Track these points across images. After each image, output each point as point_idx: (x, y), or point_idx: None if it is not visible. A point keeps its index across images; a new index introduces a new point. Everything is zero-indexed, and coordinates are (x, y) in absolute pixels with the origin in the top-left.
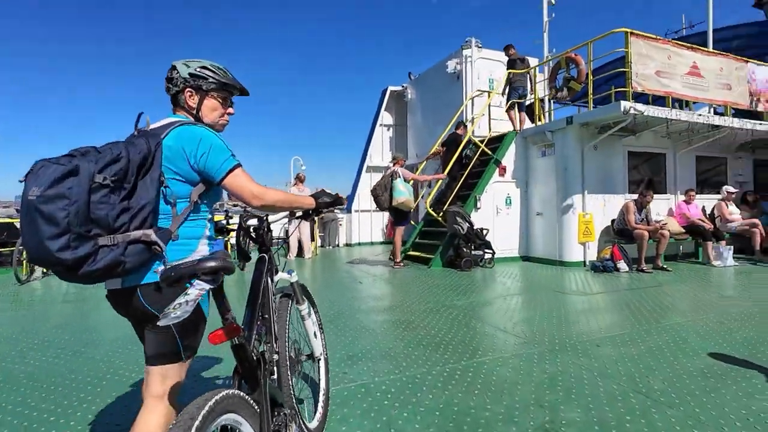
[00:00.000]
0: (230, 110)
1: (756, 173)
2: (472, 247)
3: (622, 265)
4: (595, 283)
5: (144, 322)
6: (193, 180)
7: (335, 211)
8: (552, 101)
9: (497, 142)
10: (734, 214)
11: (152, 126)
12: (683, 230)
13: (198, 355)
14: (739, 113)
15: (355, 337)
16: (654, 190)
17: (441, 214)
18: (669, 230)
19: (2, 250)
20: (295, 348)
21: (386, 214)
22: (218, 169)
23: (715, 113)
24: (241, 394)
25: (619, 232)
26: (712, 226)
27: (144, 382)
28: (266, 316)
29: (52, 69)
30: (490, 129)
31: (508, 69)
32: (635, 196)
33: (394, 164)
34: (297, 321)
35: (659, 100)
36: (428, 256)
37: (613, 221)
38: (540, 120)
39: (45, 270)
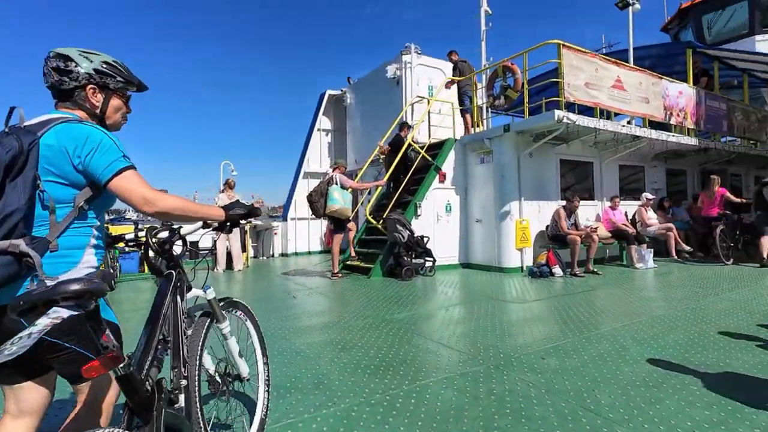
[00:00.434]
0: (129, 109)
1: (668, 181)
2: (413, 256)
3: (557, 270)
4: (533, 289)
5: None
6: (77, 183)
7: (270, 219)
8: (489, 109)
9: (437, 148)
10: (652, 219)
11: (27, 123)
12: (610, 235)
13: None
14: (654, 125)
15: (284, 363)
16: (583, 196)
17: (381, 221)
18: (598, 235)
19: None
20: (219, 370)
21: (325, 222)
22: (104, 171)
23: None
24: None
25: (553, 238)
26: (635, 231)
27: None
28: (170, 338)
29: None
30: (429, 135)
31: (455, 74)
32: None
33: (333, 170)
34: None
35: (586, 111)
36: (368, 265)
37: (547, 227)
38: (478, 127)
39: None
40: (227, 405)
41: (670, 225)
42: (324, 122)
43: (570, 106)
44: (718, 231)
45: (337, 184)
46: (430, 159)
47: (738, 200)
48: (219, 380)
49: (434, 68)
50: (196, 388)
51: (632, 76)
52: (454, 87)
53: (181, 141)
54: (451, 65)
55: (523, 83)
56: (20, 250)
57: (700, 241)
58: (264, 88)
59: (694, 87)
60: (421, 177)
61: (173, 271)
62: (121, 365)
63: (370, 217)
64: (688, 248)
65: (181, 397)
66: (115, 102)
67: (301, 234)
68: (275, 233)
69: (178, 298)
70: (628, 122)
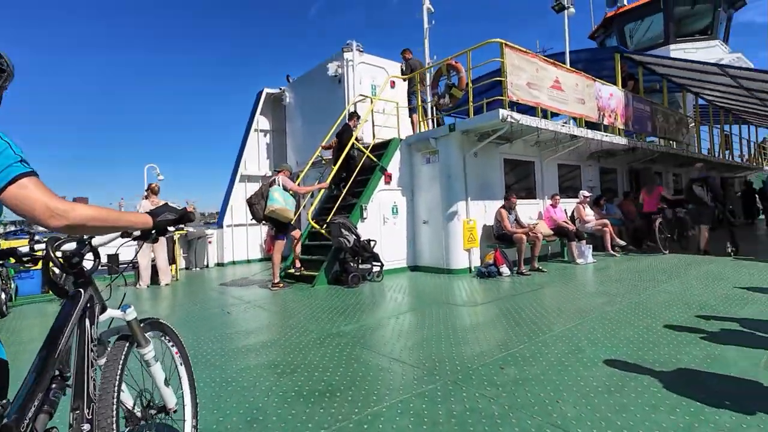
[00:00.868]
0: None
1: (601, 179)
2: (360, 261)
3: (505, 269)
4: (483, 290)
5: None
6: None
7: (204, 226)
8: (435, 108)
9: (382, 148)
10: (589, 215)
11: None
12: (552, 232)
13: None
14: (588, 126)
15: (212, 397)
16: (524, 195)
17: (325, 226)
18: (541, 233)
19: None
20: (140, 402)
21: (266, 228)
22: None
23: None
24: None
25: (499, 237)
26: (574, 228)
27: None
28: (68, 374)
29: None
30: (374, 135)
31: (407, 72)
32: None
33: (277, 173)
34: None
35: (527, 113)
36: (312, 273)
37: (492, 227)
38: (425, 126)
39: None
40: None
41: (606, 221)
42: (262, 122)
43: (512, 108)
44: (657, 224)
45: (279, 185)
46: (375, 160)
47: (673, 197)
48: (139, 414)
49: (377, 67)
50: (114, 429)
51: (569, 77)
52: (400, 86)
53: (105, 146)
54: (396, 64)
55: (467, 82)
56: None
57: (632, 235)
58: (199, 86)
59: (623, 90)
60: (366, 178)
61: (82, 290)
62: None
63: (312, 222)
64: (622, 242)
65: None
66: None
67: (239, 241)
68: (209, 242)
69: (87, 322)
70: (565, 123)
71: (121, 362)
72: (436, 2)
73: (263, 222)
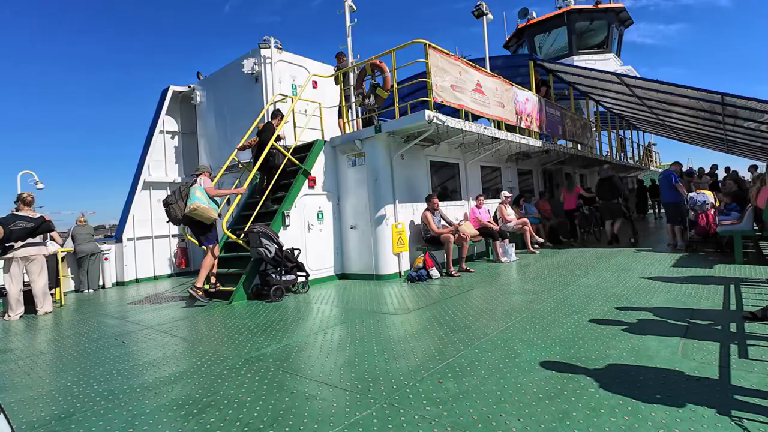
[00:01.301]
0: None
1: (519, 180)
2: (283, 272)
3: (434, 272)
4: (414, 295)
5: None
6: None
7: (99, 241)
8: (360, 108)
9: (305, 151)
10: (511, 215)
11: None
12: (478, 233)
13: None
14: (507, 129)
15: None
16: (449, 197)
17: (242, 235)
18: (467, 233)
19: None
20: None
21: (175, 241)
22: None
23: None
24: None
25: (428, 240)
26: (498, 227)
27: None
28: None
29: None
30: (296, 137)
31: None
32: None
33: (198, 175)
34: None
35: (452, 115)
36: (229, 288)
37: (420, 230)
38: (349, 128)
39: None
40: None
41: (526, 220)
42: (169, 123)
43: (436, 110)
44: (577, 220)
45: (201, 185)
46: (297, 162)
47: (588, 195)
48: None
49: (298, 66)
50: None
51: (489, 81)
52: (323, 87)
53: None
54: (318, 63)
55: (392, 83)
56: None
57: (548, 232)
58: (100, 85)
59: (537, 95)
60: (289, 183)
61: None
62: None
63: (227, 231)
64: (540, 239)
65: None
66: None
67: (144, 256)
68: (106, 258)
69: None
70: (486, 127)
71: None
72: (358, 13)
73: (181, 224)
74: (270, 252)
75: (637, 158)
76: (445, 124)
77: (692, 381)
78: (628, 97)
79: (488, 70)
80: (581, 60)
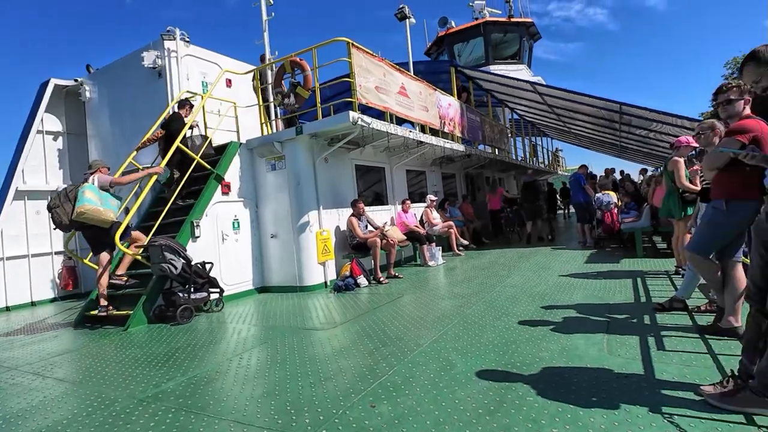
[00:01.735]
0: None
1: (443, 184)
2: (192, 290)
3: (362, 280)
4: (341, 307)
5: None
6: None
7: None
8: (280, 108)
9: (218, 154)
10: (436, 218)
11: None
12: (405, 237)
13: None
14: (432, 133)
15: None
16: (376, 201)
17: (141, 250)
18: (395, 238)
19: None
20: None
21: (59, 259)
22: None
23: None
24: None
25: (355, 247)
26: (425, 231)
27: None
28: None
29: None
30: (207, 139)
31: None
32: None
33: (92, 173)
34: None
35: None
36: (124, 312)
37: (346, 237)
38: (267, 129)
39: None
40: None
41: (451, 223)
42: (51, 122)
43: (361, 112)
44: (503, 221)
45: (94, 183)
46: (208, 167)
47: (511, 197)
48: None
49: (209, 62)
50: None
51: (413, 84)
52: (239, 85)
53: None
54: (232, 60)
55: (314, 82)
56: None
57: (472, 235)
58: None
59: (459, 101)
60: (199, 189)
61: None
62: None
63: (121, 245)
64: (465, 242)
65: None
66: None
67: (17, 279)
68: None
69: None
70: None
71: None
72: (279, 15)
73: (68, 230)
74: (176, 268)
75: (546, 163)
76: (371, 126)
77: (622, 379)
78: (539, 105)
79: (412, 74)
80: (497, 69)
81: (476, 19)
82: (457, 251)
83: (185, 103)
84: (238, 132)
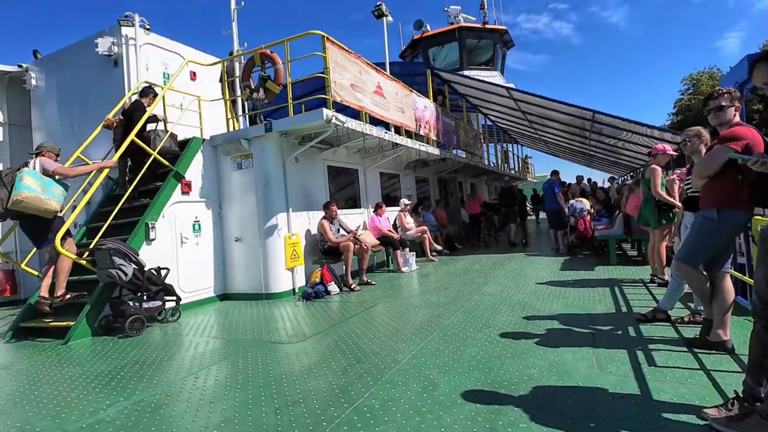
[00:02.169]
0: None
1: (417, 188)
2: (144, 298)
3: (333, 287)
4: (311, 317)
5: None
6: None
7: None
8: (249, 102)
9: (172, 154)
10: (410, 223)
11: None
12: (378, 242)
13: None
14: (407, 135)
15: None
16: (349, 204)
17: (86, 253)
18: (368, 243)
19: None
20: None
21: None
22: None
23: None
24: None
25: (326, 252)
26: (398, 236)
27: None
28: None
29: None
30: (168, 133)
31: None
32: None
33: (36, 156)
34: None
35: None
36: (65, 323)
37: (317, 242)
38: (234, 125)
39: None
40: None
41: (425, 228)
42: None
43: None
44: (483, 225)
45: (35, 168)
46: (166, 163)
47: (491, 201)
48: None
49: (171, 52)
50: None
51: (390, 84)
52: (204, 78)
53: None
54: (196, 52)
55: (286, 77)
56: None
57: (445, 240)
58: None
59: (434, 103)
60: (156, 187)
61: None
62: None
63: (62, 248)
64: (438, 247)
65: None
66: None
67: None
68: None
69: None
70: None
71: None
72: (253, 15)
73: (4, 219)
74: (125, 274)
75: (516, 169)
76: (345, 125)
77: (618, 400)
78: (513, 111)
79: (388, 74)
80: (472, 75)
81: (451, 24)
82: (430, 257)
83: (149, 91)
84: (201, 127)
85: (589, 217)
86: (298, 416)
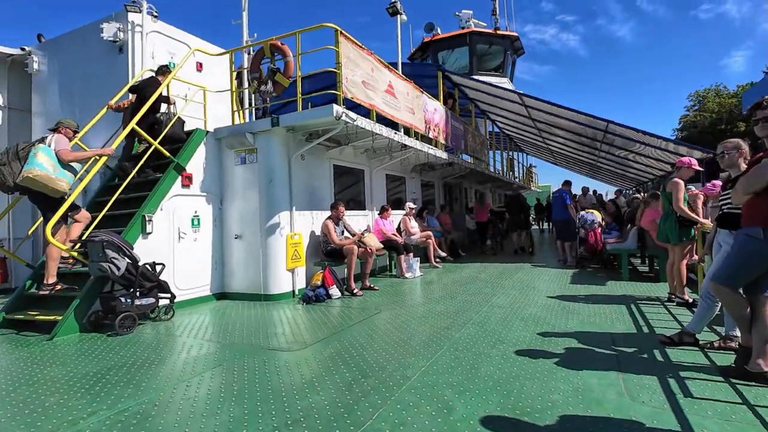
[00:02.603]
0: None
1: (422, 192)
2: (137, 294)
3: (335, 290)
4: (311, 322)
5: None
6: None
7: None
8: (257, 95)
9: (180, 141)
10: (414, 227)
11: None
12: (382, 246)
13: None
14: (416, 137)
15: None
16: (354, 206)
17: (77, 245)
18: (372, 247)
19: None
20: None
21: None
22: None
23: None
24: None
25: (329, 254)
26: (403, 240)
27: None
28: None
29: None
30: (175, 116)
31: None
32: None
33: (54, 131)
34: None
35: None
36: (52, 317)
37: (320, 243)
38: (240, 118)
39: None
40: None
41: (429, 233)
42: None
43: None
44: (491, 231)
45: (50, 146)
46: (167, 154)
47: (498, 209)
48: None
49: (178, 41)
50: None
51: (401, 84)
52: (210, 70)
53: None
54: (203, 42)
55: (297, 70)
56: None
57: (449, 246)
58: None
59: (444, 107)
60: (155, 179)
61: None
62: None
63: (52, 238)
64: (442, 253)
65: None
66: None
67: None
68: None
69: None
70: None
71: None
72: (257, 15)
73: (12, 193)
74: (118, 268)
75: (521, 178)
76: (355, 123)
77: None
78: (522, 117)
79: (400, 73)
80: (482, 79)
81: (463, 28)
82: (434, 263)
83: (165, 70)
84: (205, 119)
85: (600, 230)
86: None
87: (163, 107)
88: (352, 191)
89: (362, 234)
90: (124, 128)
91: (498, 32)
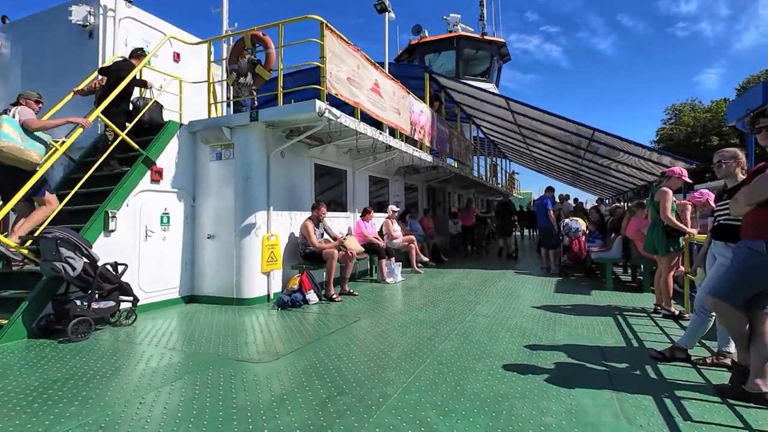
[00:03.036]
0: None
1: (405, 195)
2: (95, 297)
3: (312, 295)
4: (286, 330)
5: None
6: None
7: None
8: (234, 88)
9: (152, 133)
10: (397, 231)
11: None
12: (363, 249)
13: None
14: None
15: None
16: (335, 207)
17: (29, 242)
18: (354, 251)
19: None
20: None
21: None
22: None
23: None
24: None
25: (307, 257)
26: (384, 244)
27: None
28: None
29: None
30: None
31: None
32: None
33: (15, 104)
34: None
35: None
36: None
37: (298, 245)
38: (216, 111)
39: None
40: None
41: (412, 237)
42: None
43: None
44: (476, 236)
45: (15, 117)
46: (135, 146)
47: (482, 214)
48: None
49: (153, 29)
50: None
51: (388, 84)
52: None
53: None
54: (179, 31)
55: (278, 63)
56: None
57: (432, 251)
58: None
59: (431, 109)
60: (122, 172)
61: None
62: None
63: (6, 239)
64: (425, 258)
65: None
66: None
67: None
68: None
69: None
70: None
71: None
72: (245, 14)
73: None
74: (74, 268)
75: (503, 184)
76: (339, 120)
77: None
78: (507, 123)
79: (387, 71)
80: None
81: (450, 32)
82: (416, 268)
83: (140, 53)
84: (180, 112)
85: (584, 238)
86: None
87: (138, 92)
88: (333, 192)
89: (344, 238)
90: (96, 108)
91: (485, 38)
